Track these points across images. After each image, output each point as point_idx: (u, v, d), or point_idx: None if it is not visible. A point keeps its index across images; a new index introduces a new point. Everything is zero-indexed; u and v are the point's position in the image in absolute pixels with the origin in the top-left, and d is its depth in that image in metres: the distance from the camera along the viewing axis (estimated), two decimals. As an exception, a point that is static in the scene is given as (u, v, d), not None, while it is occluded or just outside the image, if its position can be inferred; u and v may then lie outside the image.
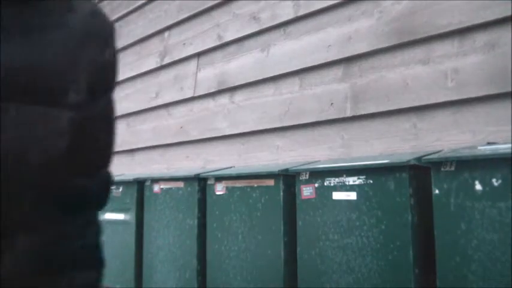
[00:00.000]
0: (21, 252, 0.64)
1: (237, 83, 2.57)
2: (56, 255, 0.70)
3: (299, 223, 1.75)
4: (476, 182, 1.29)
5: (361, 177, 1.58)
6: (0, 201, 0.62)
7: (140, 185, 2.51)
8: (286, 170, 1.84)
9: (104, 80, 0.76)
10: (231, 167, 2.42)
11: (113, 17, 3.35)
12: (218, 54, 2.72)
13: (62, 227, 0.70)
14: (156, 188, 2.41)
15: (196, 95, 2.83)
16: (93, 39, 0.73)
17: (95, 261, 0.75)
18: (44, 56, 0.66)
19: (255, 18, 2.50)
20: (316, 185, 1.70)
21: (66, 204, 0.70)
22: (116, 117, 0.79)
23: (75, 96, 0.68)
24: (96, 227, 0.76)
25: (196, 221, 2.18)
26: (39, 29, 0.67)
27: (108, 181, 0.78)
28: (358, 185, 1.59)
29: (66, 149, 0.67)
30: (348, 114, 2.05)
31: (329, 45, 2.16)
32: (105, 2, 3.52)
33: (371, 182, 1.56)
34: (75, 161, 0.69)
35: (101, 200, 0.78)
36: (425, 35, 1.83)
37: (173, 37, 3.04)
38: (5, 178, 0.62)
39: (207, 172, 2.21)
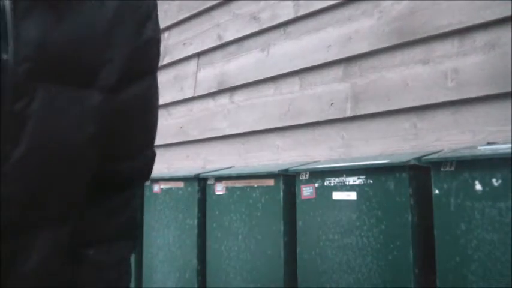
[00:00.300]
0: (49, 245, 0.62)
1: (237, 83, 2.57)
2: (93, 233, 0.69)
3: (299, 223, 1.75)
4: (476, 182, 1.29)
5: (361, 177, 1.58)
6: (23, 197, 0.59)
7: (140, 185, 2.51)
8: (286, 170, 1.84)
9: (146, 59, 0.70)
10: (231, 167, 2.42)
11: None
12: (218, 54, 2.72)
13: (101, 207, 0.69)
14: (156, 188, 2.41)
15: (196, 95, 2.83)
16: (132, 15, 0.67)
17: (132, 231, 0.75)
18: (77, 35, 0.61)
19: (255, 18, 2.50)
20: (316, 185, 1.70)
21: (105, 186, 0.68)
22: (158, 98, 0.74)
23: (108, 77, 0.64)
24: (137, 200, 0.76)
25: (196, 221, 2.18)
26: (74, 5, 0.62)
27: (151, 161, 0.76)
28: (358, 185, 1.58)
29: (96, 133, 0.63)
30: (348, 114, 2.05)
31: (329, 45, 2.16)
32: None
33: (371, 182, 1.56)
34: (112, 143, 0.66)
35: (143, 178, 0.77)
36: (425, 35, 1.83)
37: (173, 37, 3.04)
38: (30, 167, 0.58)
39: (207, 172, 2.21)
